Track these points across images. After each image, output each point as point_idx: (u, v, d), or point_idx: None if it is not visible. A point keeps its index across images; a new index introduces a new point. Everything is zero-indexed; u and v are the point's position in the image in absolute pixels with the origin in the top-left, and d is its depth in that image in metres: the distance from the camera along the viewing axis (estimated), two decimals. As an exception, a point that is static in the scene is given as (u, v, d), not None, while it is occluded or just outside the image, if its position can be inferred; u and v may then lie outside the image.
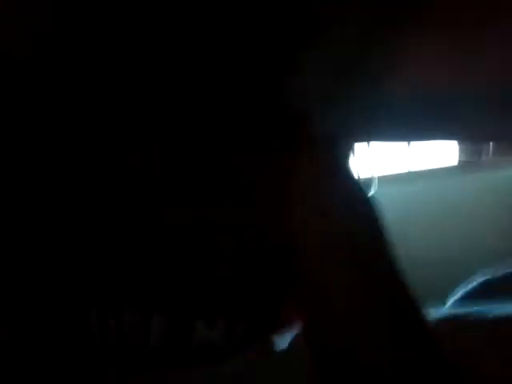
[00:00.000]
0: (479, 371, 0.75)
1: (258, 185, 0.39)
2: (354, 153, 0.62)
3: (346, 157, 0.57)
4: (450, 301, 0.99)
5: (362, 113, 0.51)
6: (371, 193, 0.78)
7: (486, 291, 0.95)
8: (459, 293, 1.00)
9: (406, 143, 1.42)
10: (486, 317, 0.80)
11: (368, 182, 1.37)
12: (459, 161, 1.47)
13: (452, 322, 0.82)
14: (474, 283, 0.97)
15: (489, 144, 1.40)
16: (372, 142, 0.90)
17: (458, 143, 1.46)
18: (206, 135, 0.39)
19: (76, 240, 0.39)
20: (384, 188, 1.63)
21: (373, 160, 1.01)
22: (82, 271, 0.39)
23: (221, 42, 0.37)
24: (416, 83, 0.60)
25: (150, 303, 0.39)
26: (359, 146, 0.71)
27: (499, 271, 0.96)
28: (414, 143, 1.43)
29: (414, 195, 1.67)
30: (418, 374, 0.45)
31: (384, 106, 0.60)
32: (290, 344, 0.48)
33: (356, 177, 1.06)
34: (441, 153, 1.51)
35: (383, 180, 1.72)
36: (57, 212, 0.39)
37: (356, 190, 0.47)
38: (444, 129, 0.76)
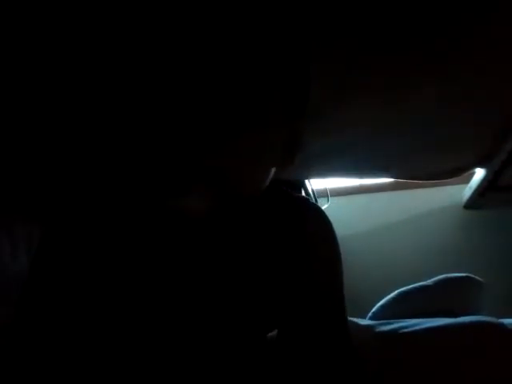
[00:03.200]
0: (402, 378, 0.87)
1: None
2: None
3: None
4: (370, 313, 1.11)
5: (318, 159, 0.65)
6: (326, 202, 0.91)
7: (399, 301, 1.07)
8: (377, 305, 1.12)
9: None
10: (417, 330, 0.92)
11: (322, 193, 1.52)
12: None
13: (389, 335, 0.93)
14: (391, 295, 1.09)
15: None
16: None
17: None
18: None
19: None
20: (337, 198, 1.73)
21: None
22: None
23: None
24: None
25: None
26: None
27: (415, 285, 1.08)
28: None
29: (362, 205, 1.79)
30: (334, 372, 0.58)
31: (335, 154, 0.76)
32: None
33: (309, 189, 1.25)
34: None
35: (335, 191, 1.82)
36: None
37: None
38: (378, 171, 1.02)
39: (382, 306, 1.11)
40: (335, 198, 1.75)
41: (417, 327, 0.97)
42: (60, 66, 0.75)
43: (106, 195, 0.53)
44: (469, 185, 1.70)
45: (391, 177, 1.55)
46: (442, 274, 1.13)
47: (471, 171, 1.57)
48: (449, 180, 1.61)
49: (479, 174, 1.58)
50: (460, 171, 1.50)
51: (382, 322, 1.02)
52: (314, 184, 1.64)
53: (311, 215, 0.62)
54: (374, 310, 1.13)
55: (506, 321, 1.00)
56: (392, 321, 1.02)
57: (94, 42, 0.72)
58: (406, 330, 0.97)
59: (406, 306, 1.08)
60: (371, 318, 1.11)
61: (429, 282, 1.12)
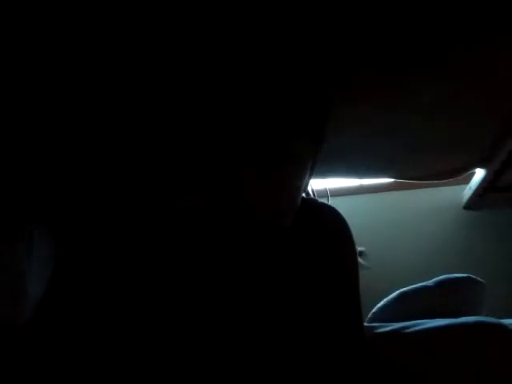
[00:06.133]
0: (417, 377, 0.87)
1: None
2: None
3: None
4: (370, 314, 1.11)
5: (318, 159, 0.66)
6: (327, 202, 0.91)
7: (399, 302, 1.07)
8: (377, 305, 1.12)
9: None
10: (418, 330, 0.92)
11: (322, 193, 1.53)
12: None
13: (390, 336, 0.93)
14: (391, 296, 1.09)
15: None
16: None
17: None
18: None
19: None
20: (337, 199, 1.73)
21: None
22: None
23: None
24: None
25: None
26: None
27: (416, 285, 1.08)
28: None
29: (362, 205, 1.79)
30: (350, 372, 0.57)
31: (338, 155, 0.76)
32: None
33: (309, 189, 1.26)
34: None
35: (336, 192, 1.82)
36: None
37: None
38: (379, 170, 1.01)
39: (382, 307, 1.11)
40: (335, 198, 1.75)
41: (417, 327, 0.97)
42: (61, 66, 0.75)
43: (107, 196, 0.53)
44: (469, 185, 1.70)
45: (391, 177, 1.55)
46: (442, 274, 1.13)
47: (471, 171, 1.57)
48: (449, 180, 1.61)
49: (479, 174, 1.58)
50: (460, 171, 1.51)
51: (382, 323, 1.02)
52: (314, 184, 1.64)
53: (326, 214, 0.62)
54: (373, 310, 1.13)
55: (506, 321, 1.00)
56: (392, 323, 1.02)
57: (94, 43, 0.73)
58: (406, 331, 0.97)
59: (406, 306, 1.08)
60: (371, 319, 1.11)
61: (429, 282, 1.11)
